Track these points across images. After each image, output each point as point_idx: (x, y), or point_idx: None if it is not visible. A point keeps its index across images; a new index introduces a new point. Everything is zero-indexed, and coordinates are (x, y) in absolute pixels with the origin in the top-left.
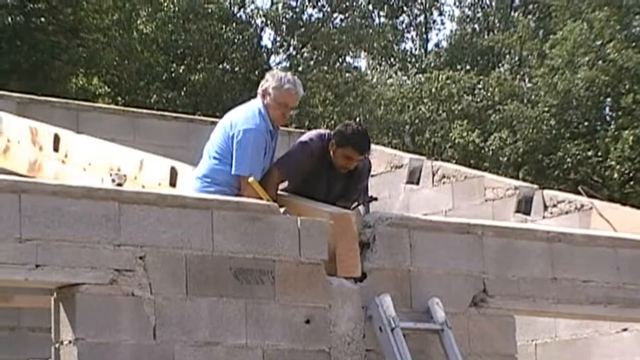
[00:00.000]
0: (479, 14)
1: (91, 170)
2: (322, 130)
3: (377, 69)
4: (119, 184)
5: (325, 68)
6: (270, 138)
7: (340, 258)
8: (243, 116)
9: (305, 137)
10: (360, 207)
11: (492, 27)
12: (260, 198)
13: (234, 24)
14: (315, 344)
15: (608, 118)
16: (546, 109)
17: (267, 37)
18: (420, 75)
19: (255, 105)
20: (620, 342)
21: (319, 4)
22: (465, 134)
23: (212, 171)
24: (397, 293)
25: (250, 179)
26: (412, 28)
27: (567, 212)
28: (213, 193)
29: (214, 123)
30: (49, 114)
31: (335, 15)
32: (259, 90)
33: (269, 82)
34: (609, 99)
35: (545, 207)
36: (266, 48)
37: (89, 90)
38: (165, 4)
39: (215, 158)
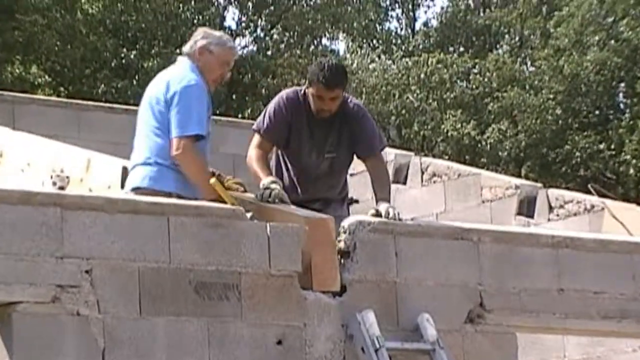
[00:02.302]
0: None
1: (31, 172)
2: (296, 87)
3: (357, 52)
4: (61, 187)
5: (298, 52)
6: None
7: (316, 269)
8: (178, 75)
9: (277, 96)
10: None
11: (489, 2)
12: (223, 201)
13: (193, 3)
14: None
15: (622, 106)
16: (551, 96)
17: (231, 17)
18: (407, 59)
19: (186, 63)
20: None
21: None
22: (459, 125)
23: (162, 150)
24: (382, 308)
25: (212, 180)
26: (397, 5)
27: (575, 214)
28: (175, 179)
29: None
30: None
31: None
32: (191, 50)
33: (207, 39)
34: (622, 84)
35: (551, 209)
36: (230, 29)
37: (27, 80)
38: None
39: (157, 135)
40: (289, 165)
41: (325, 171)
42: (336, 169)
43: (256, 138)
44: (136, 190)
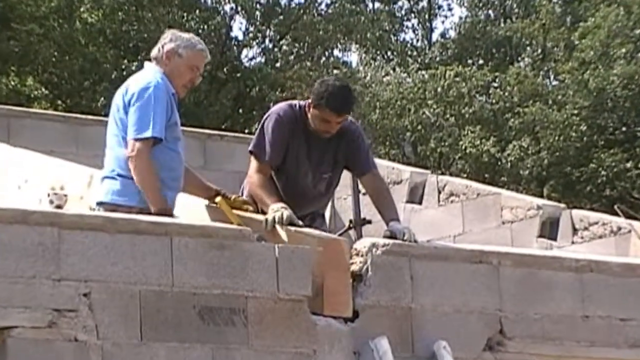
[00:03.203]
0: None
1: (28, 189)
2: (291, 101)
3: (371, 64)
4: (59, 206)
5: (309, 64)
6: (176, 105)
7: (327, 293)
8: (138, 78)
9: (272, 111)
10: (351, 232)
11: (510, 13)
12: (230, 222)
13: (198, 12)
14: None
15: None
16: (576, 111)
17: (238, 27)
18: (423, 72)
19: (152, 68)
20: None
21: None
22: (478, 142)
23: (125, 161)
24: (396, 335)
25: (218, 199)
26: (413, 15)
27: (601, 237)
28: (139, 192)
29: None
30: None
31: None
32: (158, 55)
33: (175, 42)
34: None
35: (575, 231)
36: (237, 40)
37: (23, 93)
38: None
39: (120, 145)
40: (280, 184)
41: (322, 192)
42: (331, 188)
43: (256, 162)
44: (101, 205)
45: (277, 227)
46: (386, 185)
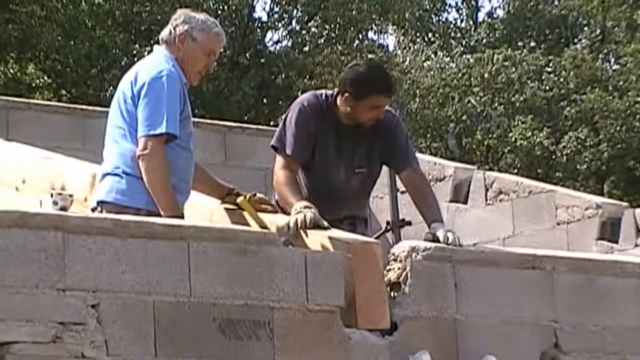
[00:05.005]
0: None
1: (26, 190)
2: (315, 91)
3: (410, 47)
4: (63, 208)
5: (340, 48)
6: (187, 94)
7: (361, 304)
8: (148, 65)
9: (295, 102)
10: (389, 234)
11: None
12: (255, 224)
13: None
14: None
15: None
16: (639, 98)
17: (262, 7)
18: (469, 56)
19: (162, 52)
20: None
21: None
22: (529, 133)
23: (131, 158)
24: (439, 349)
25: (239, 199)
26: None
27: None
28: (146, 192)
29: (193, 125)
30: None
31: None
32: (170, 38)
33: (189, 24)
34: None
35: (639, 232)
36: (260, 22)
37: (23, 81)
38: None
39: (126, 139)
40: (310, 183)
41: (356, 189)
42: (368, 185)
43: (281, 158)
44: (102, 204)
45: (301, 231)
46: (428, 182)
